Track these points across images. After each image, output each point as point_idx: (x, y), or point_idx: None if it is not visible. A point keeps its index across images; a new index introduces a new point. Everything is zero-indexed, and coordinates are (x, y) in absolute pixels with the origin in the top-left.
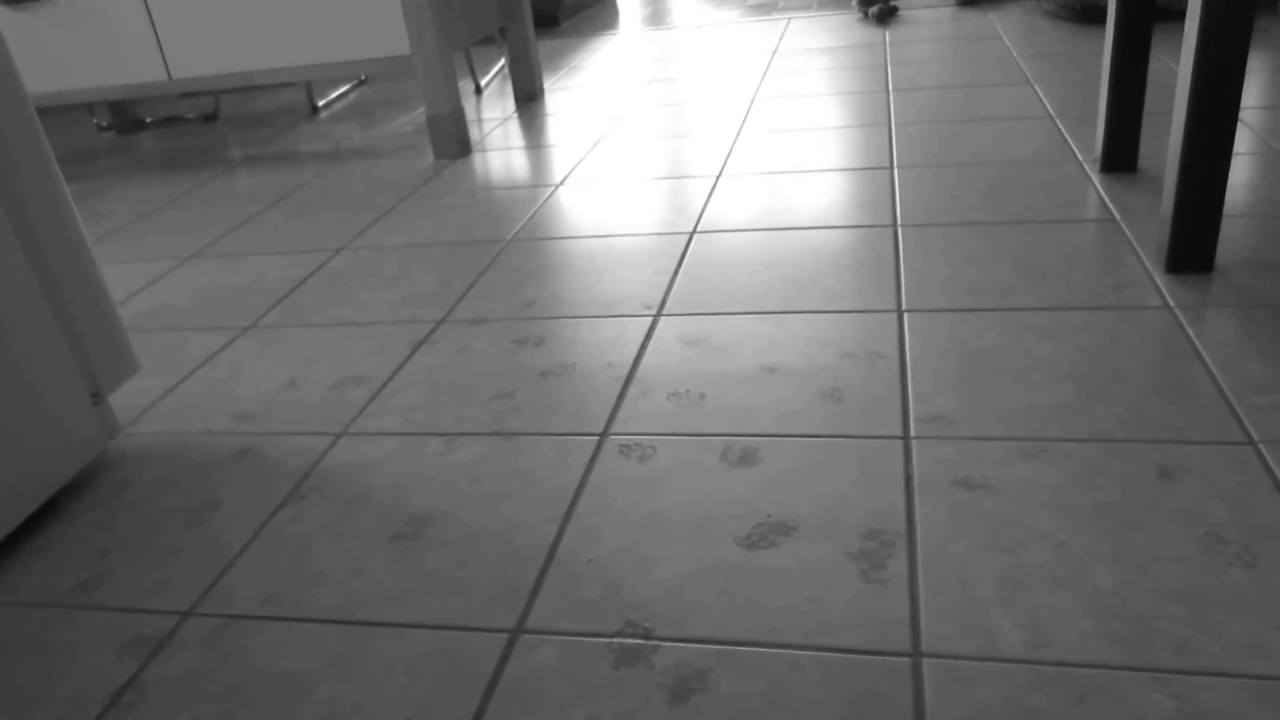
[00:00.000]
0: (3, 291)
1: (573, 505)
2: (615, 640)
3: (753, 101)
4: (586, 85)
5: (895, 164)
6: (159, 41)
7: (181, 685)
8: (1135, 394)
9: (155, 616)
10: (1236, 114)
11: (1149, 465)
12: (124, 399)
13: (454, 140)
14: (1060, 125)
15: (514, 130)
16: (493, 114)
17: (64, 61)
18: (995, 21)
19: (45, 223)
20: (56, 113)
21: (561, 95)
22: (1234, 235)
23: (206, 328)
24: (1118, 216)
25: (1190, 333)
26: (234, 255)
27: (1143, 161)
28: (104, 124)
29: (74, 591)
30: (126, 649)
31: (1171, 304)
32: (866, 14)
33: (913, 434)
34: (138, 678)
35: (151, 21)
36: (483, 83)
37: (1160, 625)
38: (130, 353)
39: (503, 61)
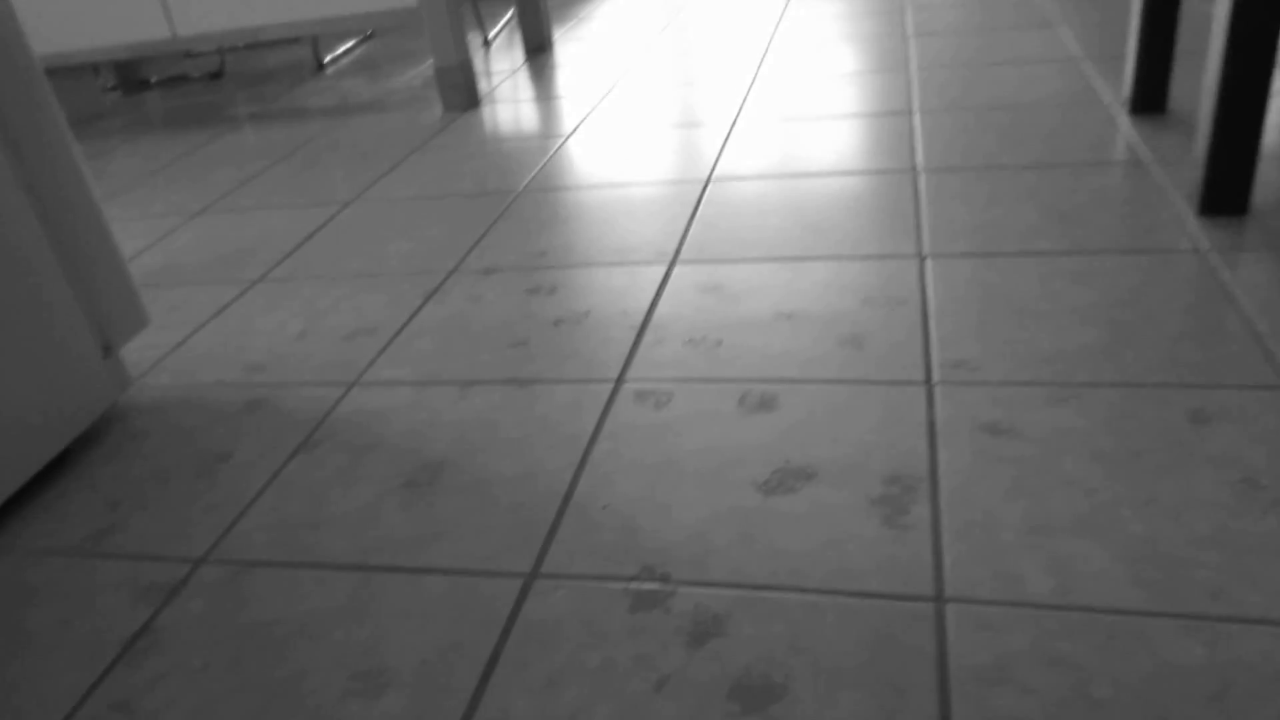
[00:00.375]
0: (12, 246)
1: (588, 451)
2: (632, 585)
3: (768, 48)
4: (597, 35)
5: (914, 109)
6: None
7: (196, 630)
8: (1166, 338)
9: (169, 564)
10: (1275, 51)
11: (1181, 410)
12: (135, 352)
13: (462, 92)
14: (1086, 68)
15: (523, 82)
16: (501, 66)
17: (69, 21)
18: None
19: (52, 178)
20: (62, 74)
21: (571, 46)
22: (1270, 178)
23: (217, 282)
24: (1147, 159)
25: (1224, 276)
26: (242, 210)
27: (1173, 103)
28: (109, 84)
29: (89, 540)
30: (141, 596)
31: (1204, 247)
32: None
33: (935, 379)
34: (152, 623)
35: None
36: (491, 35)
37: (1193, 572)
38: (140, 306)
39: (511, 13)
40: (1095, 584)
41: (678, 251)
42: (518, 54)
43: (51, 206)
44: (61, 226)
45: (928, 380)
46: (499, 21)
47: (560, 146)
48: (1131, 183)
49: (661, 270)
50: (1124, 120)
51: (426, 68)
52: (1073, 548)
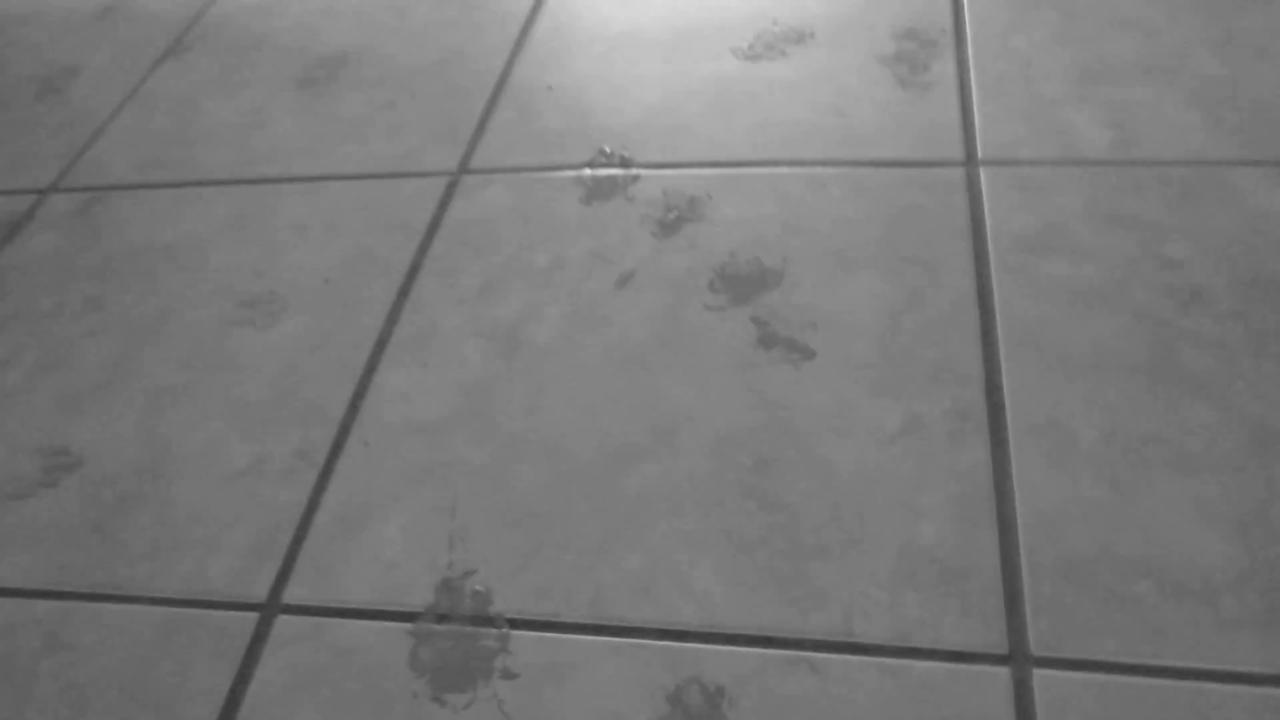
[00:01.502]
0: None
1: (526, 30)
2: (585, 172)
3: None
4: None
5: None
6: None
7: (44, 269)
8: None
9: (9, 197)
10: None
11: None
12: None
13: None
14: None
15: None
16: None
17: None
18: None
19: None
20: None
21: None
22: None
23: None
24: None
25: None
26: None
27: None
28: None
29: None
30: None
31: None
32: None
33: None
34: None
35: None
36: None
37: None
38: None
39: None
40: (1164, 133)
41: None
42: None
43: None
44: None
45: None
46: None
47: None
48: None
49: None
50: None
51: None
52: (1134, 95)
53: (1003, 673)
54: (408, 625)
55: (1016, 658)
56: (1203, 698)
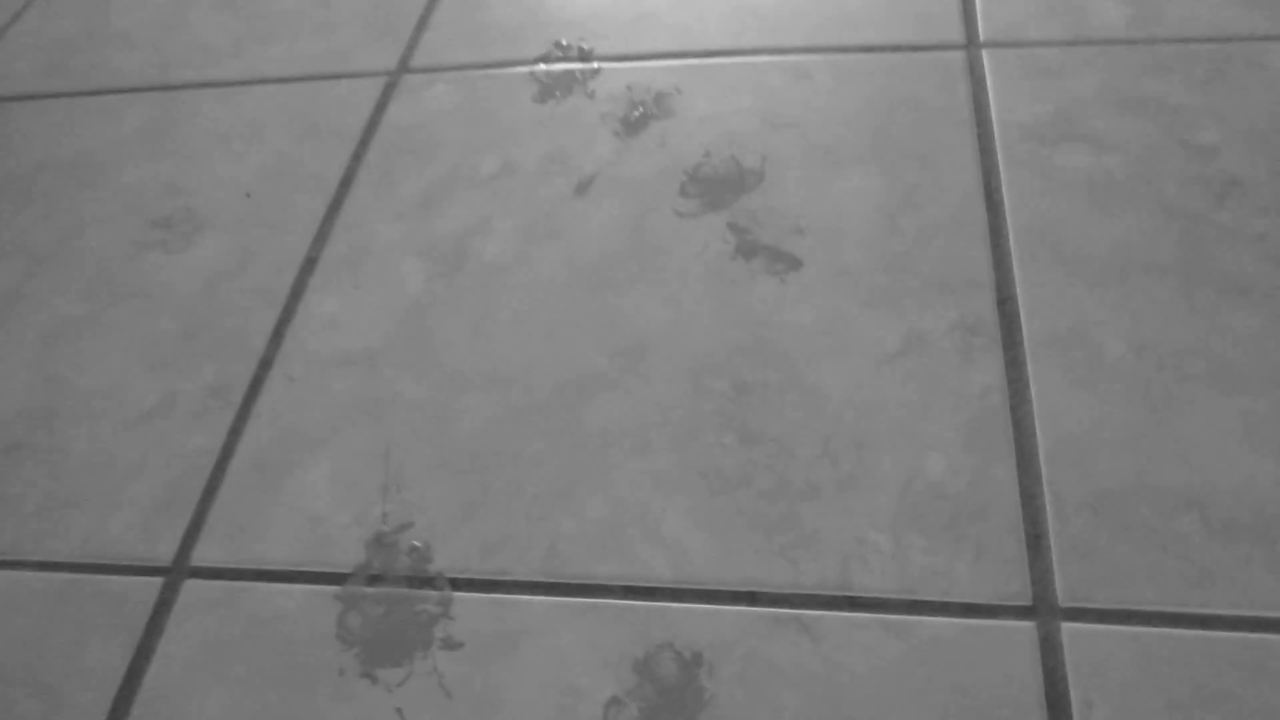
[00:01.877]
0: None
1: None
2: (539, 67)
3: None
4: None
5: None
6: None
7: None
8: None
9: None
10: None
11: None
12: None
13: None
14: None
15: None
16: None
17: None
18: None
19: None
20: None
21: None
22: None
23: None
24: None
25: None
26: None
27: None
28: None
29: None
30: None
31: None
32: None
33: None
34: None
35: None
36: None
37: None
38: None
39: None
40: (1188, 6)
41: None
42: None
43: None
44: None
45: None
46: None
47: None
48: None
49: None
50: None
51: None
52: None
53: (1026, 628)
54: (335, 588)
55: (1041, 610)
56: (1259, 650)
